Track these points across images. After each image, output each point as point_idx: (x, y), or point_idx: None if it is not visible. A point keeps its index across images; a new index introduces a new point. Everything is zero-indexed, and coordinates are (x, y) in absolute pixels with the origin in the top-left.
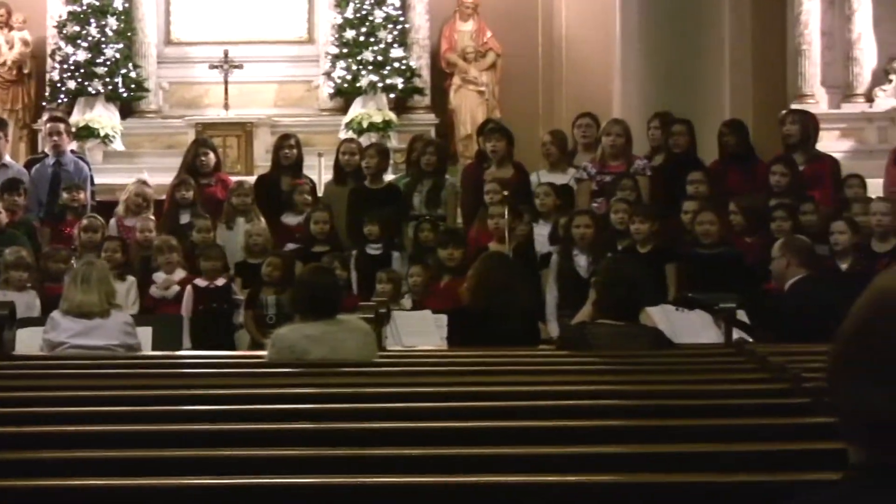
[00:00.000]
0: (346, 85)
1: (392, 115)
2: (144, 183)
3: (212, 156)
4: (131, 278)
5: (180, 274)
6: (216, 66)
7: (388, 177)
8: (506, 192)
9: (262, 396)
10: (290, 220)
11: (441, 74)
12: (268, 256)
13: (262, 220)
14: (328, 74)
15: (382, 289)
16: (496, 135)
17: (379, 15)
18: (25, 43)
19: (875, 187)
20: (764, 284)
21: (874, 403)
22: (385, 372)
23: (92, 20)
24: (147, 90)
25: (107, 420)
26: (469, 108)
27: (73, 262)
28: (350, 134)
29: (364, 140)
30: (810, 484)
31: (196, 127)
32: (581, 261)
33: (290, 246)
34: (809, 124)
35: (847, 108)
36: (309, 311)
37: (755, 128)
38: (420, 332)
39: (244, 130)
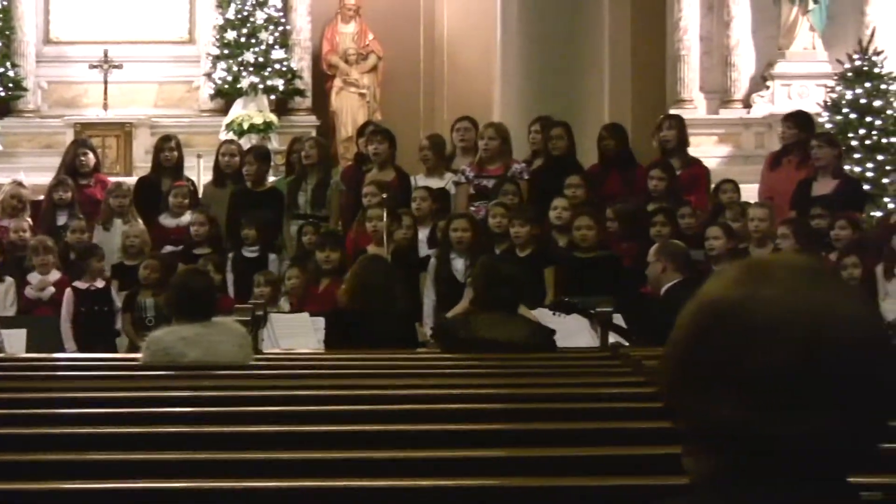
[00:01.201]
0: (226, 86)
1: (273, 117)
2: (20, 184)
3: (91, 156)
4: (10, 279)
5: (55, 275)
6: (96, 66)
7: (270, 179)
8: (384, 195)
9: (136, 399)
10: (169, 221)
11: (322, 76)
12: (145, 258)
13: (140, 221)
14: (209, 75)
15: (260, 291)
16: (378, 137)
17: (260, 16)
18: None
19: (751, 192)
20: (640, 288)
21: (720, 413)
22: (261, 374)
23: None
24: (25, 89)
25: None
26: (350, 110)
27: None
28: (230, 135)
29: (244, 142)
30: (685, 488)
31: (75, 127)
32: (458, 264)
33: (169, 248)
34: (686, 129)
35: (725, 114)
36: (183, 313)
37: (634, 132)
38: (297, 334)
39: (123, 131)
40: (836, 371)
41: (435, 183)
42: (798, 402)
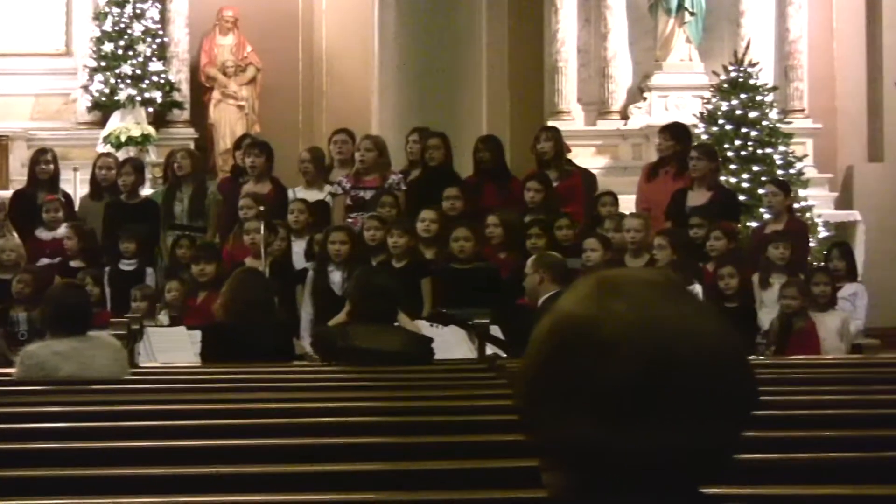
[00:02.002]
0: (104, 98)
1: (151, 130)
2: None
3: None
4: None
5: None
6: None
7: (147, 191)
8: (262, 208)
9: (9, 415)
10: (45, 235)
11: (201, 88)
12: (24, 271)
13: (16, 235)
14: (86, 88)
15: (137, 305)
16: (255, 150)
17: (138, 28)
18: None
19: (628, 203)
20: (517, 300)
21: (572, 429)
22: (137, 389)
23: None
24: None
25: None
26: (229, 122)
27: None
28: (108, 148)
29: (122, 154)
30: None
31: None
32: (336, 277)
33: (45, 261)
34: (562, 141)
35: (602, 125)
36: (58, 327)
37: (513, 144)
38: (174, 348)
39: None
40: (683, 385)
41: (314, 195)
42: (646, 416)
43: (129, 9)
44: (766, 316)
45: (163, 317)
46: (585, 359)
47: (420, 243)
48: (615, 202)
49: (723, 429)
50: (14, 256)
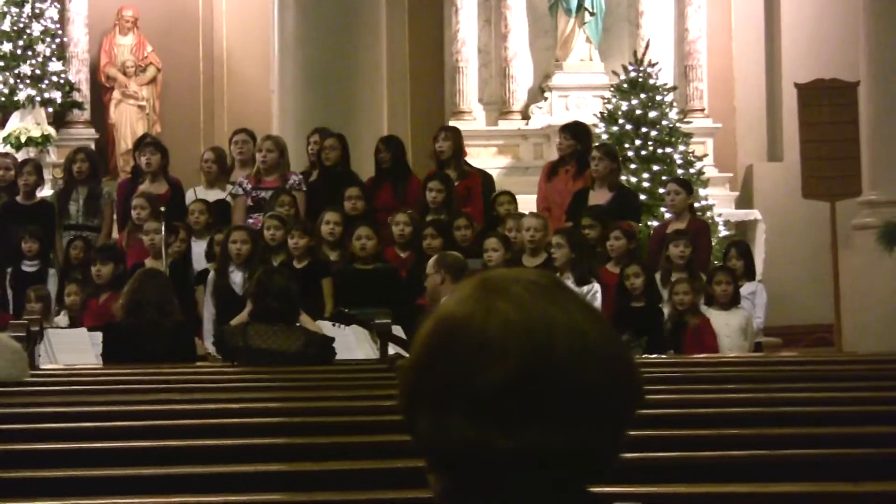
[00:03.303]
0: (2, 98)
1: (51, 130)
2: None
3: None
4: None
5: None
6: None
7: (46, 192)
8: (163, 209)
9: None
10: None
11: (101, 88)
12: None
13: None
14: None
15: (32, 307)
16: (150, 148)
17: (37, 28)
18: None
19: (529, 203)
20: (417, 300)
21: (449, 430)
22: (38, 391)
23: None
24: None
25: None
26: (129, 122)
27: None
28: (8, 149)
29: (21, 155)
30: None
31: None
32: (237, 277)
33: None
34: (461, 140)
35: (503, 125)
36: None
37: (414, 144)
38: (75, 349)
39: None
40: (559, 385)
41: (214, 195)
42: (521, 416)
43: (27, 8)
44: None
45: (61, 318)
46: (462, 358)
47: (324, 244)
48: (513, 201)
49: (603, 428)
50: None
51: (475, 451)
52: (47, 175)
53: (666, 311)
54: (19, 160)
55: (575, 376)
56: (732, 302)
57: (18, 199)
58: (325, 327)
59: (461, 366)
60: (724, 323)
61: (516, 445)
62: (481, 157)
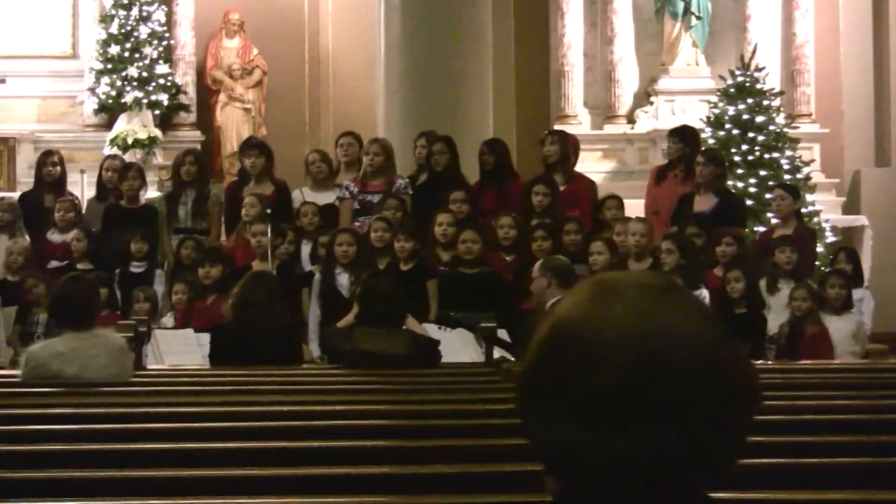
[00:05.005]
0: (110, 101)
1: (157, 132)
2: None
3: None
4: None
5: None
6: None
7: (151, 194)
8: (269, 210)
9: (14, 417)
10: (55, 237)
11: (207, 91)
12: (28, 274)
13: (27, 237)
14: (92, 90)
15: (140, 307)
16: (254, 151)
17: (144, 31)
18: None
19: (635, 208)
20: (520, 304)
21: (569, 439)
22: (145, 391)
23: None
24: None
25: None
26: (235, 125)
27: None
28: (114, 150)
29: (129, 157)
30: None
31: None
32: (343, 280)
33: (54, 264)
34: (569, 144)
35: (609, 129)
36: (64, 320)
37: (519, 148)
38: (182, 350)
39: (6, 146)
40: (672, 388)
41: (322, 197)
42: (633, 420)
43: (135, 11)
44: (774, 321)
45: (168, 319)
46: (575, 362)
47: (437, 246)
48: (620, 206)
49: (717, 432)
50: (21, 259)
51: (585, 454)
52: (153, 177)
53: (771, 317)
54: (127, 162)
55: (687, 380)
56: (845, 306)
57: (123, 202)
58: (431, 330)
59: (569, 368)
60: (835, 328)
61: (626, 449)
62: (586, 162)
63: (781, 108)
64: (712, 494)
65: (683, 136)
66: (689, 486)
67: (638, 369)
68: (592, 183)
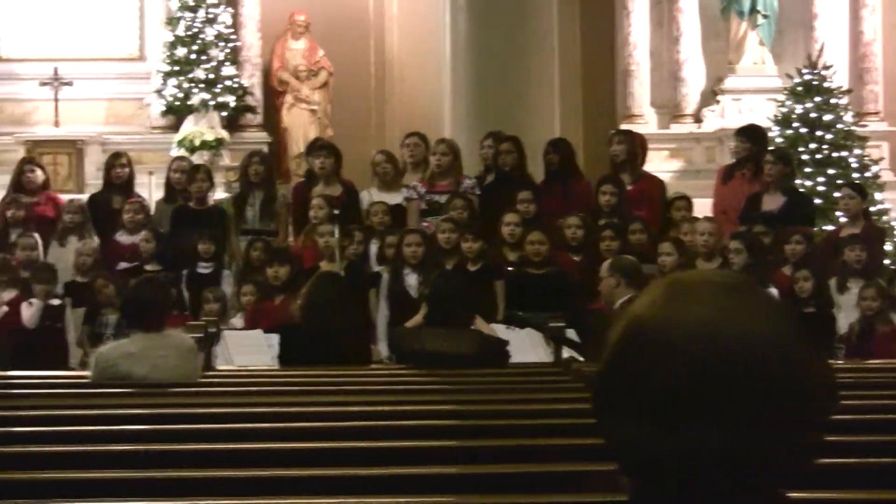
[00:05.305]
0: (177, 103)
1: (224, 134)
2: None
3: (39, 173)
4: None
5: (11, 293)
6: (46, 83)
7: (219, 195)
8: (336, 211)
9: (85, 417)
10: (124, 238)
11: (273, 93)
12: (97, 275)
13: (96, 238)
14: (159, 92)
15: (209, 308)
16: (323, 152)
17: (210, 33)
18: None
19: (702, 207)
20: (591, 303)
21: (637, 437)
22: (215, 392)
23: None
24: None
25: None
26: (301, 126)
27: None
28: (182, 152)
29: (196, 158)
30: None
31: (25, 144)
32: (412, 280)
33: (123, 265)
34: (636, 144)
35: (676, 129)
36: (135, 321)
37: (586, 147)
38: (251, 351)
39: (75, 148)
40: (740, 387)
41: (390, 198)
42: (706, 418)
43: (201, 13)
44: (844, 320)
45: (237, 320)
46: (648, 360)
47: (505, 247)
48: (689, 206)
49: (791, 431)
50: (90, 260)
51: (657, 452)
52: (220, 178)
53: (841, 317)
54: (195, 163)
55: (762, 378)
56: None
57: (191, 204)
58: (499, 330)
59: (647, 367)
60: None
61: (698, 447)
62: (653, 161)
63: (849, 107)
64: (789, 494)
65: (751, 135)
66: (765, 485)
67: (712, 367)
68: (661, 182)
